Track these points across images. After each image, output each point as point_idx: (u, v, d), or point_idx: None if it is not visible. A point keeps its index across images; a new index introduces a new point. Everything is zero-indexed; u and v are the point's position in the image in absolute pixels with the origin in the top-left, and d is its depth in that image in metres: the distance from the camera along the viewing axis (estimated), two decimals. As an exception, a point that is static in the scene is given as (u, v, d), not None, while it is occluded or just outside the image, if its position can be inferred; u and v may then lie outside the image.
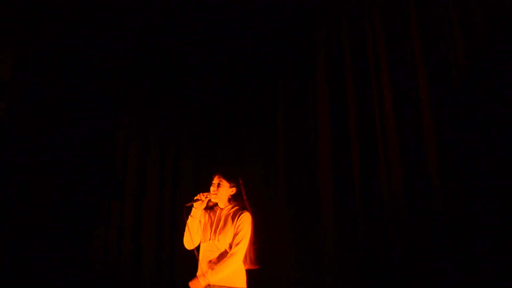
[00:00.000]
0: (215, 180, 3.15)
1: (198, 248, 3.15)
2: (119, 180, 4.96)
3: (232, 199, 3.16)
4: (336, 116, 4.29)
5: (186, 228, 3.11)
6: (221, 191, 3.13)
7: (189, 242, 3.14)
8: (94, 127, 4.96)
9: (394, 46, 3.93)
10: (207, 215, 3.19)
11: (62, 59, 4.94)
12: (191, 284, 2.97)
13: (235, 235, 3.03)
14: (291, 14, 4.71)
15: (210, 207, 3.23)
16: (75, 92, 4.91)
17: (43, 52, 4.87)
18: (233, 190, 3.16)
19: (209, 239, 3.07)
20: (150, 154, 5.07)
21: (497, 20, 3.36)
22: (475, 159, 3.32)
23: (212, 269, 2.96)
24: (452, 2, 3.60)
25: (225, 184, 3.14)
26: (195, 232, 3.11)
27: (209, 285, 2.95)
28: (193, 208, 3.09)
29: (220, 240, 3.03)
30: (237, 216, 3.08)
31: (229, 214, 3.13)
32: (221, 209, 3.18)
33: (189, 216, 3.09)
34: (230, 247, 3.03)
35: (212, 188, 3.14)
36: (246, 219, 3.06)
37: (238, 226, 3.04)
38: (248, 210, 3.12)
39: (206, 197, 3.09)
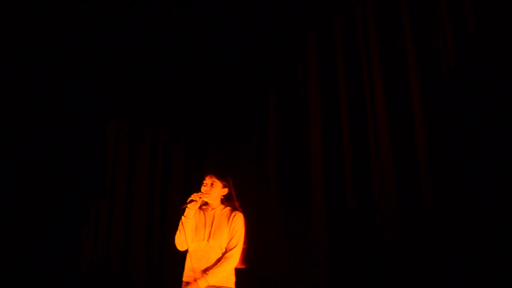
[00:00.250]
0: (208, 180, 3.13)
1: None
2: (107, 180, 4.93)
3: (225, 199, 3.16)
4: (328, 115, 4.31)
5: (180, 228, 3.07)
6: (214, 191, 3.11)
7: (182, 243, 3.08)
8: (86, 127, 4.94)
9: (386, 46, 3.94)
10: (197, 215, 3.15)
11: (62, 59, 4.94)
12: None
13: (231, 238, 3.03)
14: (283, 14, 4.71)
15: (199, 207, 3.19)
16: (71, 92, 4.91)
17: (43, 52, 4.87)
18: (225, 190, 3.15)
19: (203, 239, 3.05)
20: (140, 154, 5.06)
21: (487, 19, 3.36)
22: (466, 157, 3.34)
23: (207, 270, 2.95)
24: (444, 1, 3.60)
25: (218, 184, 3.12)
26: (189, 232, 3.08)
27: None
28: (187, 209, 3.07)
29: (215, 241, 3.02)
30: (231, 217, 3.08)
31: (223, 214, 3.12)
32: (213, 209, 3.16)
33: (183, 217, 3.06)
34: (224, 248, 3.03)
35: (204, 188, 3.11)
36: (240, 220, 3.07)
37: (233, 228, 3.04)
38: (239, 210, 3.12)
39: (200, 198, 3.07)
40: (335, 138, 4.18)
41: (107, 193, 4.94)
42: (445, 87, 3.54)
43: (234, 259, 3.01)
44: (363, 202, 3.90)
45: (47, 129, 4.74)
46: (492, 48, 3.30)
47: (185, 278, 3.06)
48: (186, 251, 3.13)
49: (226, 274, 2.99)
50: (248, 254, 3.11)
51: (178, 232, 3.09)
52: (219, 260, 2.99)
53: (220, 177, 3.14)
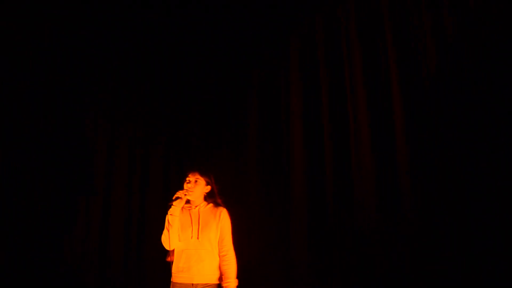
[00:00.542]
0: (191, 177, 3.16)
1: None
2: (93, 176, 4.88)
3: (208, 196, 3.20)
4: (309, 115, 4.37)
5: (166, 227, 3.06)
6: (198, 188, 3.15)
7: (169, 242, 3.08)
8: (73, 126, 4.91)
9: (368, 48, 4.01)
10: (181, 215, 3.15)
11: (62, 59, 4.94)
12: None
13: (221, 234, 3.10)
14: (266, 16, 4.75)
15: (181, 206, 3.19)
16: (71, 92, 4.89)
17: (43, 52, 4.86)
18: (208, 188, 3.20)
19: (191, 237, 3.05)
20: (118, 153, 5.03)
21: (467, 20, 3.41)
22: (446, 158, 3.39)
23: (202, 270, 2.98)
24: (425, 5, 3.64)
25: (201, 181, 3.16)
26: (176, 230, 3.08)
27: (192, 284, 2.98)
28: (172, 207, 3.07)
29: (204, 237, 3.05)
30: (217, 213, 3.14)
31: (207, 210, 3.16)
32: (197, 206, 3.18)
33: (169, 215, 3.06)
34: (215, 245, 3.08)
35: (188, 185, 3.14)
36: (226, 216, 3.15)
37: (221, 222, 3.11)
38: (223, 206, 3.18)
39: (185, 195, 3.09)
40: (316, 139, 4.26)
41: (88, 195, 4.88)
42: (425, 89, 3.60)
43: (232, 252, 3.09)
44: (342, 203, 3.99)
45: (46, 129, 4.71)
46: (471, 49, 3.34)
47: (174, 279, 3.06)
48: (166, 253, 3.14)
49: (212, 271, 3.03)
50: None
51: (164, 231, 3.08)
52: (209, 257, 3.03)
53: (203, 174, 3.18)
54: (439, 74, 3.52)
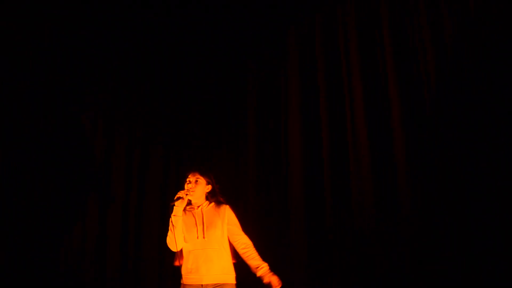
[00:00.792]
0: (191, 178, 3.15)
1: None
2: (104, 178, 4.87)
3: (210, 195, 3.19)
4: (307, 116, 4.39)
5: (170, 228, 3.04)
6: (199, 188, 3.13)
7: (173, 243, 3.04)
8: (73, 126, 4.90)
9: (366, 45, 4.05)
10: (184, 216, 3.13)
11: (62, 58, 4.94)
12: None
13: (231, 230, 3.09)
14: (265, 14, 4.76)
15: (184, 209, 3.16)
16: (70, 92, 4.89)
17: (43, 52, 4.86)
18: (209, 187, 3.19)
19: (197, 238, 3.04)
20: (117, 153, 5.01)
21: (465, 23, 3.44)
22: (444, 159, 3.43)
23: (212, 269, 2.95)
24: (424, 5, 3.65)
25: (202, 181, 3.16)
26: (180, 231, 3.06)
27: (202, 285, 2.95)
28: (175, 207, 3.04)
29: (210, 237, 3.02)
30: (220, 210, 3.13)
31: (210, 210, 3.15)
32: (199, 206, 3.16)
33: (172, 216, 3.04)
34: (222, 243, 3.05)
35: (189, 185, 3.12)
36: (230, 211, 3.15)
37: (228, 221, 3.11)
38: (225, 203, 3.18)
39: (187, 194, 3.07)
40: (315, 138, 4.28)
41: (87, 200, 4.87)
42: (423, 88, 3.62)
43: (250, 241, 3.10)
44: (341, 203, 4.01)
45: (45, 128, 4.70)
46: (470, 49, 3.36)
47: (184, 280, 3.04)
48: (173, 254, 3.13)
49: (223, 268, 3.00)
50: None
51: (169, 233, 3.06)
52: (218, 256, 3.00)
53: (203, 174, 3.17)
54: (437, 74, 3.53)
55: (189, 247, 3.06)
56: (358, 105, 3.97)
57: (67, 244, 4.67)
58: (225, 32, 4.98)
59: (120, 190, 4.92)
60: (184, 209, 3.14)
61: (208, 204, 3.17)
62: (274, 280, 2.95)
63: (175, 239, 3.03)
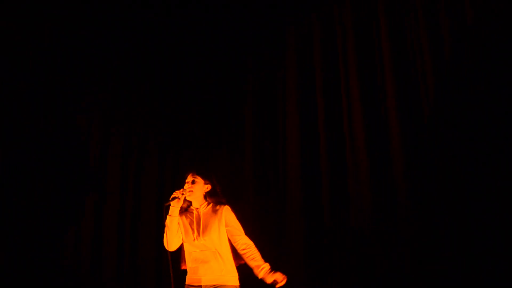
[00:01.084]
0: (189, 178, 3.12)
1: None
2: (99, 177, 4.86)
3: (208, 196, 3.13)
4: (305, 113, 4.37)
5: (166, 228, 3.03)
6: (196, 188, 3.09)
7: (168, 243, 3.03)
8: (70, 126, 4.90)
9: (364, 46, 4.07)
10: (183, 216, 3.12)
11: (62, 58, 4.94)
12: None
13: (230, 230, 3.02)
14: (263, 14, 4.76)
15: (185, 209, 3.16)
16: (69, 91, 4.89)
17: (43, 52, 4.87)
18: (208, 187, 3.13)
19: (194, 240, 3.02)
20: (113, 153, 5.00)
21: (463, 24, 3.45)
22: (441, 158, 3.44)
23: (209, 271, 2.93)
24: (421, 5, 3.67)
25: (200, 181, 3.11)
26: (175, 231, 3.04)
27: (201, 286, 2.93)
28: (170, 207, 3.03)
29: (206, 238, 2.99)
30: (218, 211, 3.06)
31: (208, 211, 3.10)
32: (197, 208, 3.13)
33: (168, 216, 3.03)
34: (219, 245, 3.00)
35: (186, 185, 3.10)
36: (228, 212, 3.07)
37: (226, 221, 3.03)
38: (225, 203, 3.12)
39: (182, 194, 3.04)
40: (312, 138, 4.29)
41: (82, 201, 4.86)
42: (420, 87, 3.64)
43: (250, 241, 3.01)
44: (339, 203, 4.02)
45: (41, 127, 4.70)
46: (468, 50, 3.38)
47: (186, 280, 3.04)
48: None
49: (225, 271, 2.96)
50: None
51: (165, 233, 3.04)
52: (215, 257, 2.96)
53: (201, 174, 3.13)
54: (435, 74, 3.54)
55: (188, 248, 3.06)
56: (356, 104, 3.98)
57: (63, 245, 4.66)
58: (224, 32, 4.98)
59: (116, 191, 4.91)
60: (186, 210, 3.14)
61: (207, 205, 3.12)
62: (277, 276, 2.89)
63: (167, 240, 3.01)
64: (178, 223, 3.09)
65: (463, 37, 3.38)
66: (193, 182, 3.10)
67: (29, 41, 4.81)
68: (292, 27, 4.62)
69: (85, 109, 4.99)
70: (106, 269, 4.73)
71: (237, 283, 3.01)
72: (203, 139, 5.13)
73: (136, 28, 5.02)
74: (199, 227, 3.03)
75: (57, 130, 4.80)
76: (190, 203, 3.15)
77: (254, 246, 3.02)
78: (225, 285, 2.93)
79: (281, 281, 2.90)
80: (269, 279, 2.89)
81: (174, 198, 3.01)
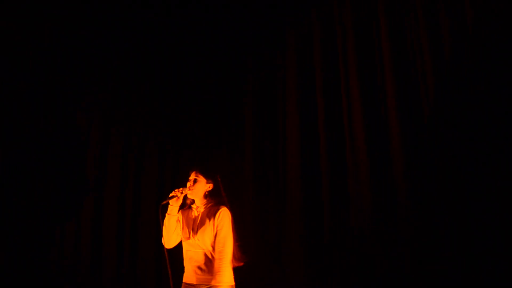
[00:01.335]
0: (192, 176, 3.09)
1: (169, 250, 3.09)
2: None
3: (209, 195, 3.10)
4: (305, 113, 4.37)
5: (163, 227, 3.03)
6: (197, 187, 3.06)
7: (166, 241, 3.05)
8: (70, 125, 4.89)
9: (364, 46, 4.06)
10: (185, 213, 3.12)
11: (62, 58, 4.94)
12: None
13: (216, 235, 2.94)
14: (263, 15, 4.76)
15: (188, 206, 3.16)
16: (69, 92, 4.89)
17: (43, 52, 4.87)
18: (210, 186, 3.09)
19: (188, 238, 3.00)
20: (113, 153, 5.00)
21: (463, 24, 3.45)
22: (441, 157, 3.44)
23: (200, 271, 2.92)
24: (421, 8, 3.68)
25: (202, 180, 3.07)
26: (173, 230, 3.04)
27: (194, 284, 2.92)
28: (169, 206, 3.02)
29: (199, 238, 2.97)
30: (214, 213, 3.00)
31: (206, 211, 3.06)
32: (198, 206, 3.11)
33: (166, 214, 3.03)
34: (212, 246, 2.94)
35: (188, 184, 3.08)
36: (224, 216, 2.98)
37: (217, 225, 2.95)
38: (227, 206, 3.05)
39: (182, 193, 3.02)
40: (312, 138, 4.29)
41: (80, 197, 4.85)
42: (420, 87, 3.65)
43: (227, 259, 2.91)
44: (339, 203, 4.02)
45: (41, 127, 4.70)
46: (467, 50, 3.37)
47: (184, 279, 3.03)
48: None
49: (211, 273, 2.90)
50: (244, 250, 3.04)
51: (162, 231, 3.04)
52: (208, 258, 2.93)
53: (203, 173, 3.10)
54: (435, 74, 3.54)
55: (185, 246, 3.06)
56: (356, 104, 3.98)
57: (63, 244, 4.65)
58: (224, 32, 4.99)
59: (116, 191, 4.91)
60: (189, 206, 3.13)
61: (208, 204, 3.09)
62: None
63: (164, 238, 3.03)
64: (178, 220, 3.08)
65: (463, 37, 3.39)
66: (195, 181, 3.08)
67: (29, 41, 4.81)
68: (292, 27, 4.63)
69: (85, 109, 4.98)
70: (106, 269, 4.72)
71: (232, 283, 2.96)
72: (203, 139, 5.13)
73: (136, 28, 5.02)
74: (195, 226, 3.01)
75: (57, 130, 4.80)
76: (193, 200, 3.13)
77: (224, 258, 2.90)
78: (217, 286, 2.86)
79: None
80: None
81: (172, 197, 3.00)
